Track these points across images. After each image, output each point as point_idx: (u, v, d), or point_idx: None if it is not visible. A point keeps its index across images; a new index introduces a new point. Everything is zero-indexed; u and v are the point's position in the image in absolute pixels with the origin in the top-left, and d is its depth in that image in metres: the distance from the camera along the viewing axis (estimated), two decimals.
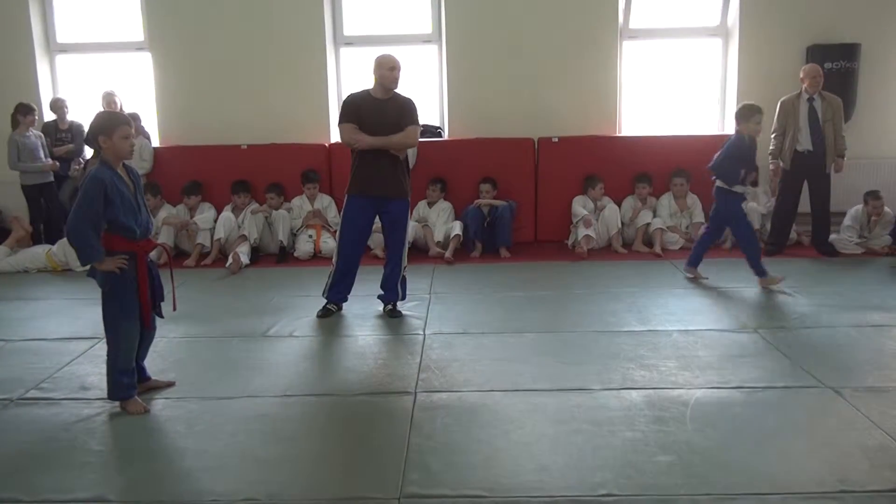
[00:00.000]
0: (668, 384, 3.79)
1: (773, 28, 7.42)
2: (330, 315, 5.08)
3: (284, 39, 7.59)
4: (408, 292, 5.20)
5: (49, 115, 7.56)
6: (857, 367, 4.00)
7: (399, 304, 5.14)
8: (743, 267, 5.73)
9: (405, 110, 4.93)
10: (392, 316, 5.05)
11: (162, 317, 3.81)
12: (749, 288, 5.61)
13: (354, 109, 4.89)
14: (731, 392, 3.69)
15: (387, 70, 4.83)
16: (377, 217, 5.06)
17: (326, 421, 3.49)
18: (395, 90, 4.93)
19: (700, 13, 7.76)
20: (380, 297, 5.16)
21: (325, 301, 5.13)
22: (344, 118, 4.93)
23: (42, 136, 7.24)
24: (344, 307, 5.23)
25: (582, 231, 6.91)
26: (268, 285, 6.02)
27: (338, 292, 5.11)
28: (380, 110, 4.86)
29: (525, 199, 7.40)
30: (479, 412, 3.53)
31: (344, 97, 8.03)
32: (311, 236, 7.08)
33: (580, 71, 7.56)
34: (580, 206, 7.12)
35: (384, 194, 4.92)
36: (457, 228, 6.91)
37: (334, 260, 5.08)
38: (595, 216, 7.08)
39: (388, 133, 4.83)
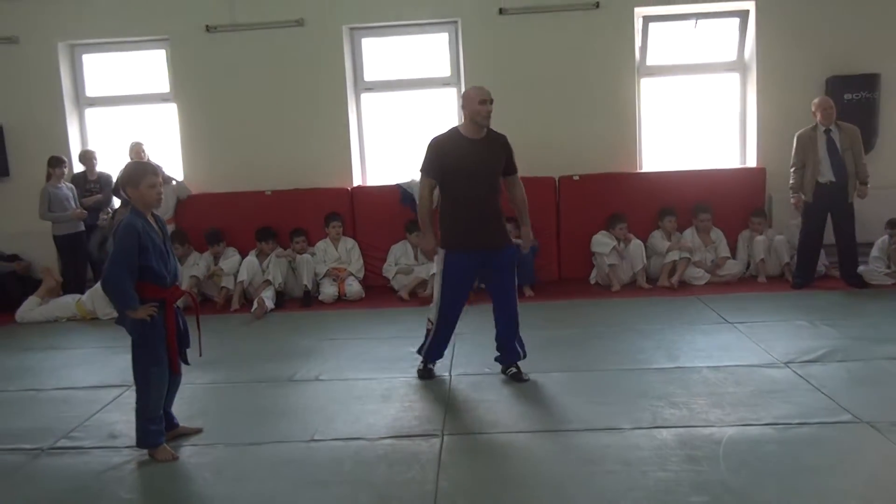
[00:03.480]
0: (700, 422, 3.72)
1: (791, 61, 7.43)
2: (431, 375, 4.64)
3: (306, 86, 7.73)
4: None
5: (78, 167, 7.73)
6: (893, 401, 3.91)
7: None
8: (770, 301, 5.63)
9: (506, 154, 4.43)
10: (517, 380, 4.46)
11: (188, 363, 3.83)
12: (777, 322, 5.53)
13: (439, 157, 4.34)
14: (764, 429, 3.62)
15: (477, 104, 4.27)
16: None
17: (354, 465, 3.47)
18: (489, 127, 4.38)
19: (716, 49, 7.81)
20: (497, 359, 4.62)
21: (423, 361, 4.68)
22: (425, 169, 4.40)
23: (73, 187, 7.41)
24: (369, 349, 5.22)
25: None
26: (293, 330, 6.04)
27: (436, 353, 4.68)
28: (473, 152, 4.32)
29: (547, 237, 7.40)
30: (507, 454, 3.50)
31: (367, 142, 8.20)
32: (334, 280, 7.11)
33: (599, 109, 7.60)
34: (605, 238, 7.11)
35: (489, 246, 4.39)
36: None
37: (433, 319, 4.54)
38: (620, 255, 7.06)
39: (483, 177, 4.34)
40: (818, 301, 6.16)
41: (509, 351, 4.57)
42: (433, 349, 4.65)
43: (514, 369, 4.55)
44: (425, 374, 4.65)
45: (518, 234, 4.74)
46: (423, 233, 4.54)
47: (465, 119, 4.40)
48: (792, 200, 6.70)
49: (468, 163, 4.31)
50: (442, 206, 4.47)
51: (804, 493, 2.99)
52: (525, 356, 4.61)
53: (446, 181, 4.41)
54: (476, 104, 4.28)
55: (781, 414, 3.78)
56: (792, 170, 6.63)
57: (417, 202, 4.52)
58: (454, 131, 4.44)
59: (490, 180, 4.40)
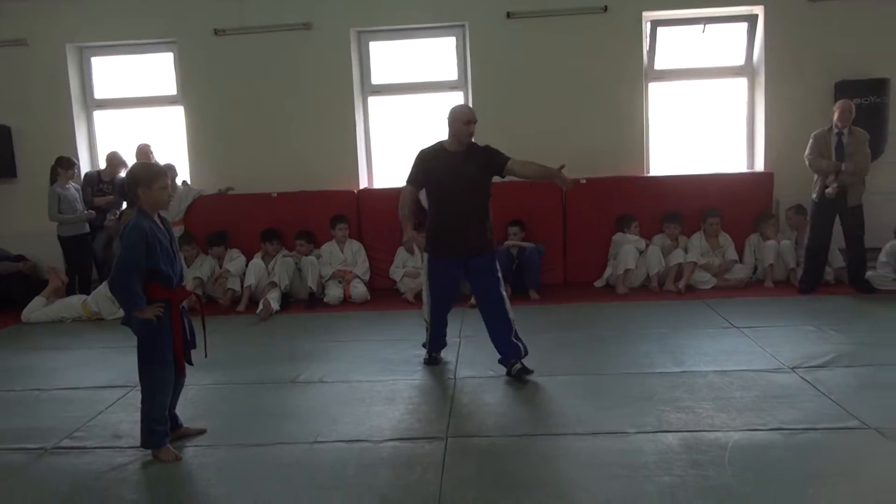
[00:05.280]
0: (705, 427, 3.70)
1: (799, 66, 7.40)
2: (437, 362, 4.99)
3: (313, 89, 7.75)
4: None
5: (89, 166, 7.72)
6: None
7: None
8: (777, 305, 5.61)
9: (485, 157, 4.57)
10: (525, 373, 4.50)
11: (192, 364, 3.82)
12: (784, 327, 5.50)
13: (423, 169, 4.60)
14: (771, 434, 3.59)
15: (462, 124, 4.48)
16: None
17: (358, 468, 3.45)
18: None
19: (725, 53, 7.78)
20: (500, 361, 4.65)
21: (428, 352, 5.02)
22: (408, 179, 4.66)
23: (79, 188, 7.42)
24: (374, 351, 5.23)
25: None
26: (298, 332, 6.04)
27: (438, 344, 5.03)
28: (456, 164, 4.52)
29: (554, 240, 7.38)
30: (511, 457, 3.48)
31: (374, 144, 8.20)
32: (340, 282, 7.11)
33: (607, 113, 7.60)
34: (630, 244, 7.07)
35: (467, 253, 4.59)
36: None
37: (426, 318, 4.89)
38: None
39: (463, 187, 4.51)
40: (825, 306, 6.12)
41: (509, 349, 4.59)
42: (434, 342, 5.00)
43: (518, 365, 4.54)
44: (431, 361, 5.01)
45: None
46: (403, 230, 4.74)
47: (449, 135, 4.58)
48: (828, 191, 6.43)
49: (449, 175, 4.53)
50: (429, 212, 4.72)
51: (811, 499, 2.97)
52: (527, 352, 4.60)
53: (431, 191, 4.68)
54: (461, 124, 4.49)
55: (788, 419, 3.75)
56: (809, 159, 6.51)
57: (399, 205, 4.74)
58: (440, 146, 4.65)
59: (470, 190, 4.57)
